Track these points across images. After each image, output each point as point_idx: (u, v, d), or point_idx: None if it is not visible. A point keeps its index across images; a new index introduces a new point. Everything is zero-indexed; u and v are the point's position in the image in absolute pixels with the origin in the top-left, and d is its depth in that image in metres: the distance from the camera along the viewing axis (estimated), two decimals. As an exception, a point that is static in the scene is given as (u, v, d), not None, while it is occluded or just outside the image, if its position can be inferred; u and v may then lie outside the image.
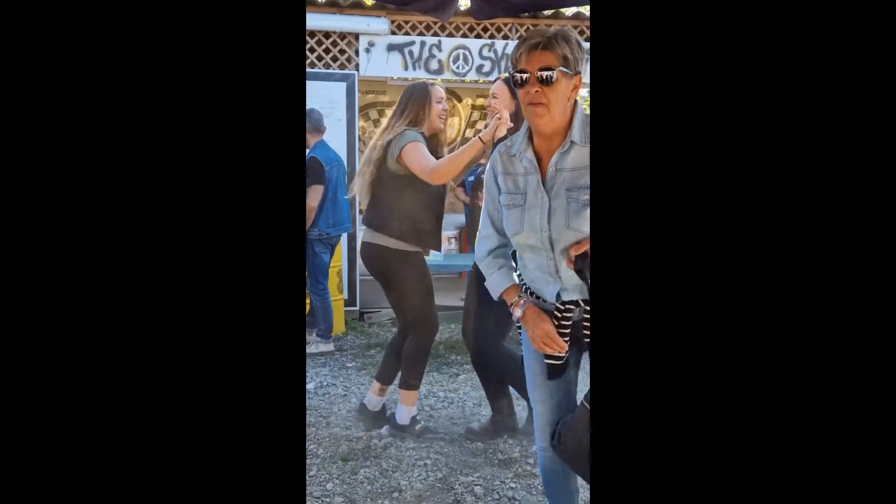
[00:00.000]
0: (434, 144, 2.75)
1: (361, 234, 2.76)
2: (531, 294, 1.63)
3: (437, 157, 2.68)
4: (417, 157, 2.55)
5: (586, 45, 1.54)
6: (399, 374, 2.82)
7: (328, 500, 2.21)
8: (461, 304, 5.42)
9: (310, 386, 3.50)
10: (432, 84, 2.77)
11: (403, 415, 2.78)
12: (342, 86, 4.96)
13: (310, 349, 4.14)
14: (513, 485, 2.32)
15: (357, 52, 5.16)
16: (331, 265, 4.55)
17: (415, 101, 2.69)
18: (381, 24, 5.12)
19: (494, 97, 2.60)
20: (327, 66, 5.14)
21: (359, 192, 2.77)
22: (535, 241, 1.54)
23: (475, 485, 2.33)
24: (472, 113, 7.29)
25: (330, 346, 4.21)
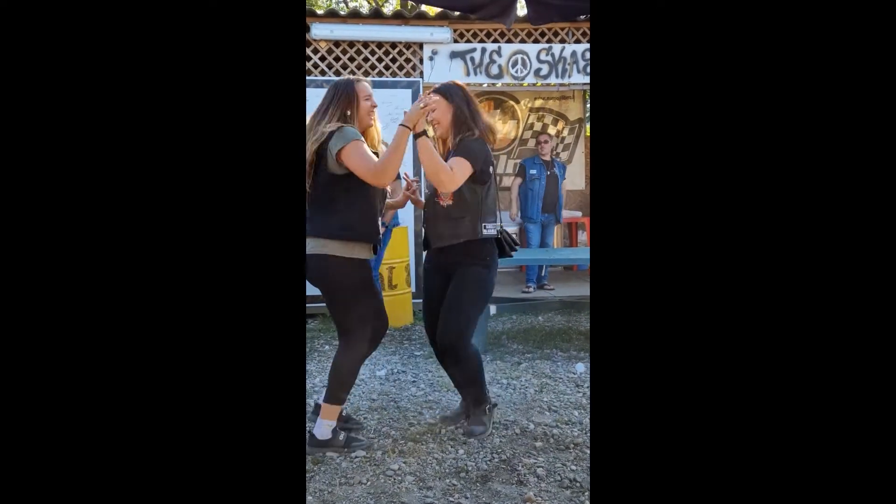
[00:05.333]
0: (367, 142, 2.46)
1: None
2: None
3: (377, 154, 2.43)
4: (358, 157, 2.28)
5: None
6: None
7: (399, 478, 2.23)
8: (521, 295, 5.40)
9: (381, 373, 3.54)
10: (358, 80, 2.46)
11: (324, 430, 2.44)
12: (408, 92, 5.00)
13: None
14: (574, 467, 2.30)
15: (421, 61, 5.19)
16: (399, 259, 4.60)
17: (341, 99, 2.40)
18: (444, 33, 5.14)
19: (433, 109, 2.48)
20: (394, 74, 5.19)
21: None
22: None
23: (538, 466, 2.32)
24: (529, 115, 7.23)
25: None
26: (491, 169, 2.54)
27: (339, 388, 2.45)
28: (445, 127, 2.52)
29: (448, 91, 2.55)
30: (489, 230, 2.53)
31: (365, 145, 2.34)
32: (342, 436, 2.48)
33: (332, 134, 2.31)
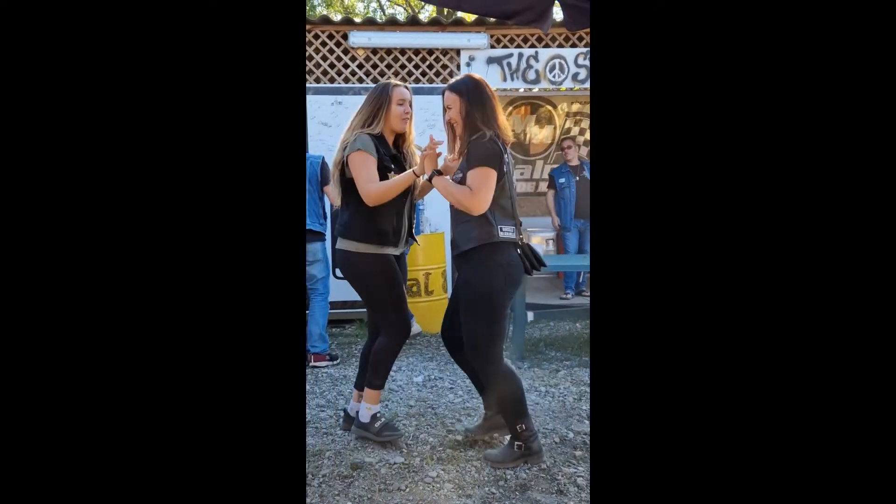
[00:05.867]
0: (399, 143, 2.60)
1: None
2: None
3: (401, 157, 2.56)
4: (359, 170, 2.41)
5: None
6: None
7: (438, 486, 2.22)
8: (559, 301, 5.35)
9: (418, 379, 3.54)
10: (396, 85, 2.53)
11: (365, 413, 2.60)
12: (445, 98, 5.01)
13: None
14: (615, 478, 2.26)
15: (459, 67, 5.20)
16: (436, 265, 4.59)
17: (371, 102, 2.50)
18: (480, 38, 5.14)
19: (449, 108, 2.38)
20: (431, 80, 5.21)
21: (334, 196, 2.60)
22: None
23: (578, 476, 2.28)
24: (566, 120, 7.17)
25: (417, 328, 4.39)
26: (505, 167, 2.32)
27: (373, 375, 2.57)
28: (462, 126, 2.37)
29: (460, 87, 2.36)
30: (506, 233, 2.32)
31: (370, 158, 2.41)
32: (378, 423, 2.58)
33: (347, 140, 2.46)
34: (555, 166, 6.20)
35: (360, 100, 2.57)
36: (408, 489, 2.19)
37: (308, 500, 2.14)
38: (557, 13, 2.94)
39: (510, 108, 7.05)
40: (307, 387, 3.48)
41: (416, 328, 4.35)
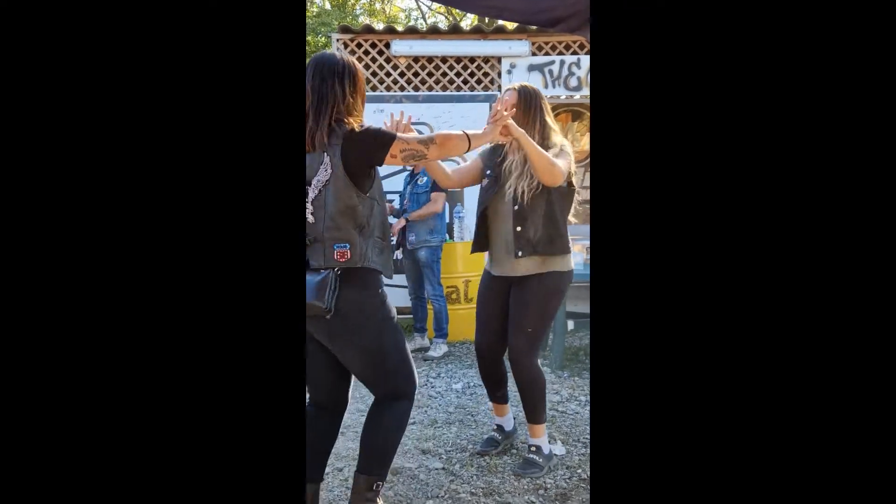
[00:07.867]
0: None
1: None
2: None
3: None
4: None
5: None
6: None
7: (476, 493, 2.22)
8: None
9: (458, 386, 3.54)
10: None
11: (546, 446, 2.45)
12: (485, 105, 5.02)
13: (434, 353, 4.25)
14: (657, 490, 2.22)
15: (500, 74, 5.21)
16: (475, 273, 4.60)
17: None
18: (522, 46, 5.15)
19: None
20: (472, 88, 5.23)
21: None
22: None
23: (619, 487, 2.25)
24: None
25: (446, 348, 4.36)
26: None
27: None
28: None
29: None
30: None
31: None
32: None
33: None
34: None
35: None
36: (447, 495, 2.20)
37: None
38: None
39: (551, 116, 7.03)
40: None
41: (444, 349, 4.35)
